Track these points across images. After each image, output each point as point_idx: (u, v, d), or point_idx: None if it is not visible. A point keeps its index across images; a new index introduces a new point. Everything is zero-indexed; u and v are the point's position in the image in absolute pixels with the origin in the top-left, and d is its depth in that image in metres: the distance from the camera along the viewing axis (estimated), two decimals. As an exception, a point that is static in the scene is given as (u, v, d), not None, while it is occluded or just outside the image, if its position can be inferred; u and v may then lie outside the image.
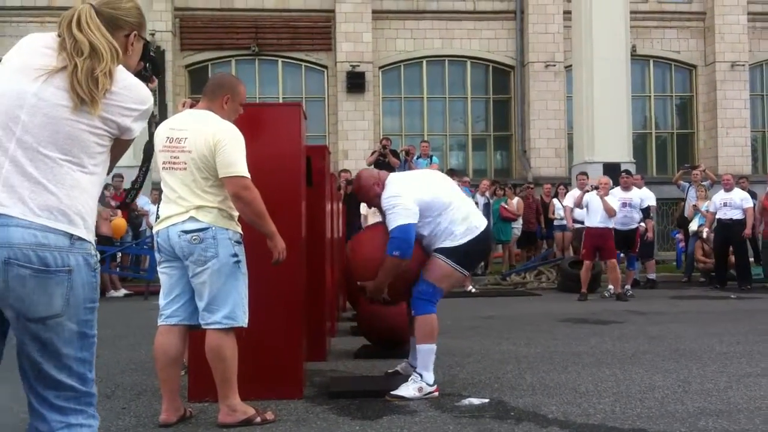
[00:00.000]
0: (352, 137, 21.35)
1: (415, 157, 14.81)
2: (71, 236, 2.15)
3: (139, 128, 2.31)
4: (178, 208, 3.97)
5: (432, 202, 4.71)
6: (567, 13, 21.10)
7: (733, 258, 12.58)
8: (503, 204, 14.78)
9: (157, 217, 13.92)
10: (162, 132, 4.10)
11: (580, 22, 18.27)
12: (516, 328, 7.83)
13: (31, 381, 2.19)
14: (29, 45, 2.27)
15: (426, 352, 4.67)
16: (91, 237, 2.23)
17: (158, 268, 4.22)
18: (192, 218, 3.96)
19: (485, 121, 22.94)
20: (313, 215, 5.65)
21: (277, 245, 4.09)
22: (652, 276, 12.86)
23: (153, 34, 19.60)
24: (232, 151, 3.94)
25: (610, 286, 10.91)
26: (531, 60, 21.84)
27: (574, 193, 12.49)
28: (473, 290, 11.88)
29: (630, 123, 18.61)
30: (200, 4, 21.48)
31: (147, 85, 2.43)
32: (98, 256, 2.30)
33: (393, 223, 4.63)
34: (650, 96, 22.79)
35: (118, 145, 2.31)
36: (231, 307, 4.01)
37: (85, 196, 2.20)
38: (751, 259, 14.69)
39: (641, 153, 21.62)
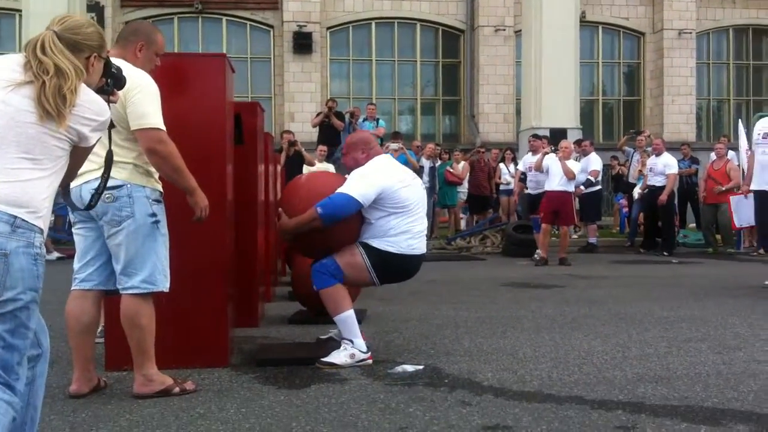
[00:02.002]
0: (299, 99, 20.96)
1: (360, 120, 14.55)
2: (15, 221, 2.32)
3: (95, 137, 2.54)
4: (90, 164, 3.63)
5: (399, 198, 4.53)
6: (518, -24, 20.96)
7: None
8: (448, 168, 14.62)
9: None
10: None
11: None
12: (457, 292, 7.70)
13: None
14: (1, 62, 2.49)
15: (344, 322, 4.47)
16: (39, 225, 2.39)
17: (73, 230, 3.92)
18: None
19: (434, 85, 22.72)
20: (243, 176, 5.39)
21: (198, 202, 3.83)
22: (593, 240, 12.89)
23: (91, -10, 18.89)
24: (144, 101, 3.63)
25: (539, 250, 10.91)
26: (481, 24, 21.64)
27: (527, 157, 12.39)
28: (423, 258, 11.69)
29: (577, 89, 18.56)
30: (141, -43, 20.75)
31: (109, 98, 2.77)
32: (43, 248, 2.43)
33: (344, 188, 4.49)
34: (598, 63, 22.79)
35: (77, 153, 2.53)
36: (149, 270, 3.74)
37: (39, 192, 2.38)
38: (692, 225, 14.88)
39: (588, 119, 21.65)
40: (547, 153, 10.97)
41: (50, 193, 2.44)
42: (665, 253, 12.06)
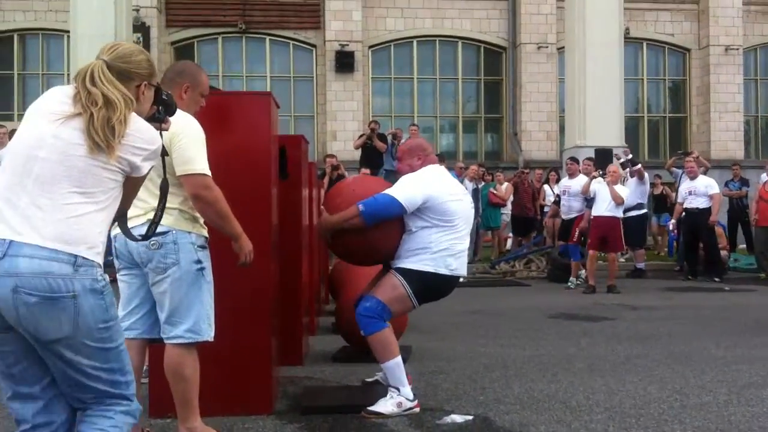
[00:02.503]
0: (341, 118, 20.93)
1: (403, 140, 14.46)
2: (76, 260, 2.31)
3: (147, 167, 2.51)
4: (136, 210, 3.58)
5: (446, 211, 4.42)
6: (560, -8, 20.75)
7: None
8: (492, 189, 14.43)
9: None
10: None
11: (573, 3, 17.90)
12: (504, 325, 7.53)
13: (64, 389, 2.42)
14: (50, 95, 2.50)
15: (391, 370, 4.34)
16: (98, 260, 2.38)
17: (117, 276, 3.86)
18: (149, 220, 3.60)
19: (476, 102, 22.56)
20: (287, 207, 5.32)
21: (243, 247, 3.75)
22: (641, 265, 12.57)
23: (137, 10, 19.13)
24: (190, 146, 3.56)
25: (572, 278, 10.72)
26: (523, 41, 21.43)
27: (564, 181, 12.10)
28: (461, 279, 11.52)
29: (622, 107, 18.29)
30: (186, -21, 20.96)
31: (161, 126, 2.72)
32: (107, 279, 2.42)
33: (392, 190, 4.43)
34: (643, 79, 22.43)
35: (130, 183, 2.51)
36: (194, 319, 3.66)
37: (94, 225, 2.37)
38: (743, 246, 14.48)
39: (633, 137, 21.27)
40: (595, 177, 10.73)
41: (105, 227, 2.43)
42: (716, 279, 11.76)
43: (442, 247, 4.41)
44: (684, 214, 12.16)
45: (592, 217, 10.41)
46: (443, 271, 4.44)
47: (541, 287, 11.17)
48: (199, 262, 3.66)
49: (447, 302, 8.96)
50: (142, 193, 3.61)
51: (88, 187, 2.36)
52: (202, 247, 3.70)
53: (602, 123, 17.59)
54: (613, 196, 10.06)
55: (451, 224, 4.44)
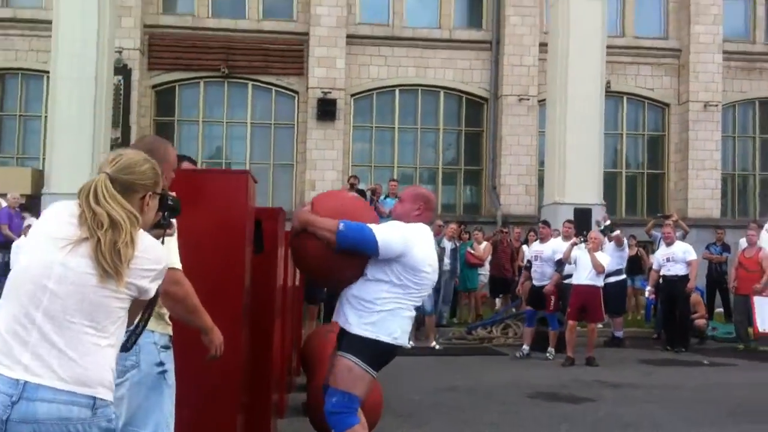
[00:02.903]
0: (321, 167, 20.81)
1: (382, 197, 14.35)
2: (94, 402, 2.24)
3: (155, 288, 2.44)
4: None
5: (414, 275, 4.29)
6: (543, 45, 20.79)
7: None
8: (469, 249, 14.28)
9: None
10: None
11: (555, 56, 18.01)
12: (481, 405, 7.36)
13: None
14: (55, 215, 2.42)
15: None
16: (111, 398, 2.33)
17: None
18: None
19: (456, 153, 22.55)
20: (261, 281, 5.15)
21: (213, 340, 3.55)
22: (619, 334, 12.40)
23: (120, 52, 19.01)
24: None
25: (525, 347, 10.59)
26: (505, 93, 21.51)
27: (535, 245, 11.88)
28: (437, 347, 11.36)
29: (601, 163, 18.34)
30: (171, 21, 20.89)
31: (165, 232, 2.70)
32: (116, 413, 2.43)
33: (378, 229, 4.28)
34: (622, 134, 22.56)
35: (135, 305, 2.44)
36: (152, 428, 3.46)
37: (108, 362, 2.30)
38: (720, 310, 14.39)
39: (611, 192, 21.33)
40: (576, 243, 10.64)
41: (116, 360, 2.38)
42: (683, 349, 11.65)
43: (387, 308, 4.26)
44: (661, 281, 12.08)
45: (573, 285, 10.29)
46: (384, 338, 4.27)
47: (518, 358, 10.84)
48: (161, 364, 3.46)
49: (422, 373, 8.85)
50: None
51: (100, 320, 2.29)
52: (166, 347, 3.50)
53: (581, 179, 17.60)
54: (594, 265, 9.97)
55: (408, 290, 4.31)
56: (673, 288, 11.79)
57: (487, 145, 21.99)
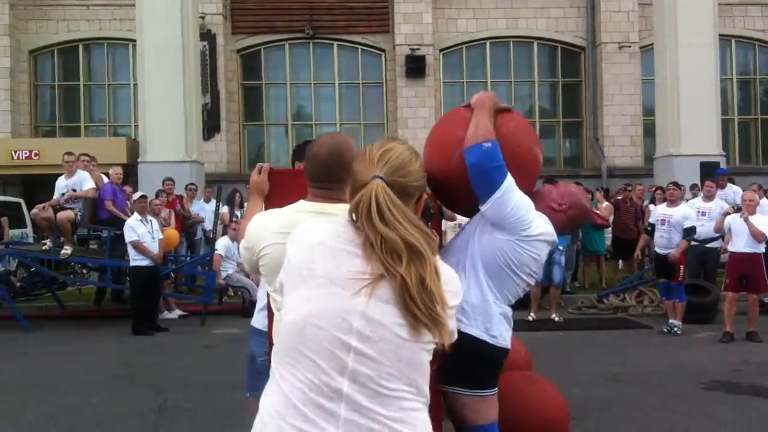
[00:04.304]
0: (412, 125, 20.06)
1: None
2: None
3: (456, 329, 1.88)
4: None
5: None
6: (643, -12, 19.61)
7: None
8: (594, 209, 13.23)
9: (216, 216, 11.92)
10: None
11: (663, 3, 16.75)
12: (656, 403, 6.51)
13: None
14: (324, 243, 1.85)
15: None
16: None
17: None
18: None
19: (553, 105, 21.48)
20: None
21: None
22: (766, 299, 11.26)
23: (203, 17, 18.48)
24: None
25: (672, 321, 9.58)
26: (604, 41, 20.34)
27: (660, 208, 10.75)
28: (557, 318, 10.41)
29: (719, 112, 17.14)
30: (252, -16, 20.26)
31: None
32: None
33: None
34: (732, 78, 21.13)
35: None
36: None
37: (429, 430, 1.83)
38: None
39: (724, 141, 19.99)
40: (729, 213, 9.59)
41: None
42: None
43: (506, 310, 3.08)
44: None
45: (728, 254, 9.30)
46: (485, 337, 3.01)
47: (666, 334, 9.87)
48: None
49: (572, 358, 8.08)
50: None
51: (417, 382, 1.79)
52: None
53: (697, 129, 16.48)
54: (753, 233, 8.93)
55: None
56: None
57: (586, 95, 20.90)
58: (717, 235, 10.76)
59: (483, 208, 2.93)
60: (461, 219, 3.98)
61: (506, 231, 2.93)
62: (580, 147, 21.33)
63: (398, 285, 1.73)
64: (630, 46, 20.28)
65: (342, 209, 2.19)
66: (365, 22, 20.48)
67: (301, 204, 2.45)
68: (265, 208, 2.79)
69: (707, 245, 11.09)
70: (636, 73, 20.35)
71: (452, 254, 3.03)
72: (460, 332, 2.57)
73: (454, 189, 3.05)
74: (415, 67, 20.01)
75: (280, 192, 2.86)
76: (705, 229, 10.68)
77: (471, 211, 3.10)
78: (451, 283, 1.85)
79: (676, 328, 9.59)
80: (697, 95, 16.42)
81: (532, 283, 3.12)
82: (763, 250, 9.25)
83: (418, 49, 20.03)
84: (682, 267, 9.56)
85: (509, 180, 2.90)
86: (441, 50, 20.67)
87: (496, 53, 21.01)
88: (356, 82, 20.79)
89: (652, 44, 17.99)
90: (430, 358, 1.82)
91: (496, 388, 3.04)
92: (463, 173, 2.93)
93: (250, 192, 2.98)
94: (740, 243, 9.10)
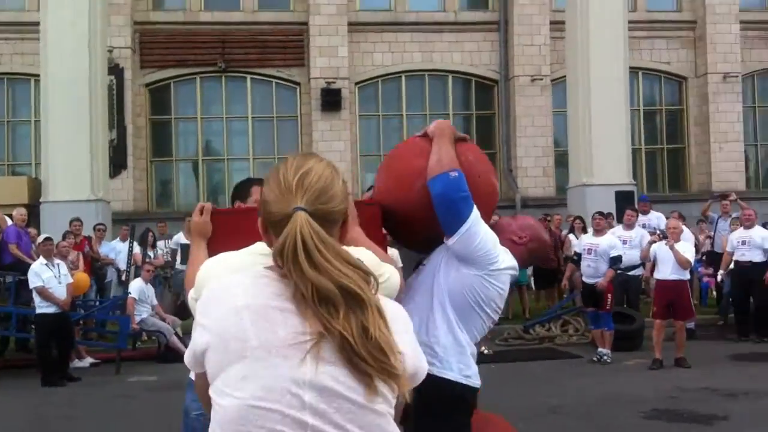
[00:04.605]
0: (328, 158, 19.53)
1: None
2: None
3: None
4: None
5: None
6: (554, 23, 20.04)
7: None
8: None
9: (129, 256, 11.34)
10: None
11: (575, 36, 17.10)
12: (581, 427, 6.37)
13: None
14: (250, 305, 1.54)
15: None
16: None
17: None
18: None
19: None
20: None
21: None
22: (691, 325, 11.39)
23: (111, 51, 17.80)
24: None
25: (601, 349, 9.54)
26: (516, 74, 20.58)
27: (585, 237, 10.89)
28: (486, 351, 10.18)
29: (629, 143, 17.53)
30: (162, 17, 19.77)
31: None
32: None
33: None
34: (639, 109, 21.71)
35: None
36: None
37: None
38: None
39: (632, 170, 20.51)
40: (654, 242, 9.68)
41: None
42: (765, 339, 10.81)
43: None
44: (734, 266, 11.16)
45: (657, 281, 9.36)
46: (461, 379, 2.85)
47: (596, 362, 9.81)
48: None
49: (505, 391, 7.90)
50: None
51: None
52: None
53: (609, 159, 16.83)
54: (678, 261, 9.01)
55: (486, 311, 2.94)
56: (747, 275, 10.88)
57: (500, 127, 21.09)
58: (639, 262, 10.89)
59: (450, 242, 2.77)
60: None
61: (473, 266, 2.78)
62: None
63: (338, 343, 1.48)
64: (542, 79, 20.59)
65: None
66: (280, 56, 20.18)
67: (260, 246, 2.14)
68: (209, 254, 2.49)
69: (629, 273, 11.19)
70: (547, 105, 20.68)
71: (416, 292, 2.86)
72: (434, 377, 2.63)
73: (414, 221, 2.86)
74: (331, 100, 19.80)
75: (225, 234, 2.56)
76: (626, 257, 10.77)
77: (429, 245, 2.94)
78: (398, 321, 1.60)
79: (605, 357, 9.57)
80: (609, 126, 16.76)
81: (496, 319, 2.97)
82: (689, 276, 9.37)
83: (334, 82, 19.84)
84: (609, 295, 9.59)
85: (476, 212, 2.75)
86: (356, 83, 20.55)
87: (412, 86, 21.03)
88: (270, 115, 20.42)
89: (563, 77, 18.36)
90: (393, 414, 1.57)
91: None
92: (424, 205, 2.77)
93: (191, 235, 2.67)
94: (666, 270, 9.18)
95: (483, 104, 21.36)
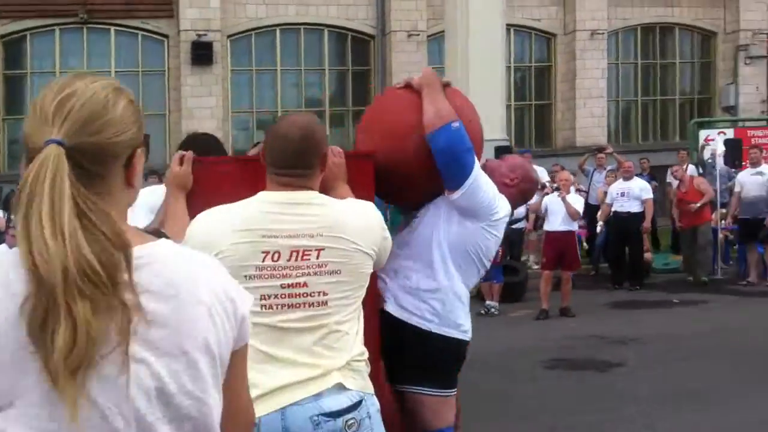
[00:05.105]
0: (198, 115, 19.05)
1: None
2: None
3: None
4: (304, 371, 2.17)
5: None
6: (429, -22, 19.97)
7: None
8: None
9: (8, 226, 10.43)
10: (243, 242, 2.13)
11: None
12: (508, 385, 6.46)
13: None
14: None
15: None
16: None
17: None
18: (339, 386, 2.20)
19: (343, 94, 21.35)
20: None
21: None
22: None
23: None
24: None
25: (489, 302, 9.78)
26: (393, 29, 20.44)
27: None
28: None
29: (504, 99, 17.78)
30: (17, -38, 18.25)
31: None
32: None
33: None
34: (510, 66, 22.07)
35: None
36: None
37: None
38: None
39: (505, 126, 20.94)
40: (547, 194, 9.85)
41: None
42: (638, 287, 11.30)
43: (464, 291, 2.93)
44: (612, 216, 11.58)
45: (546, 233, 9.56)
46: (457, 334, 2.92)
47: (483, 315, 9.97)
48: None
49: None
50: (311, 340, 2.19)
51: None
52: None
53: (485, 114, 16.53)
54: (569, 212, 9.23)
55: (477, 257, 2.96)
56: (625, 225, 11.31)
57: (376, 83, 20.93)
58: (522, 216, 11.09)
59: (454, 196, 2.70)
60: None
61: (475, 218, 2.75)
62: (373, 135, 21.41)
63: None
64: (418, 35, 20.55)
65: (311, 198, 2.05)
66: (146, 6, 19.14)
67: (264, 195, 2.01)
68: (188, 207, 2.26)
69: (513, 226, 11.39)
70: (423, 62, 20.56)
71: (415, 247, 2.80)
72: (433, 334, 2.75)
73: (406, 178, 2.75)
74: (202, 54, 18.96)
75: (207, 186, 2.38)
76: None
77: (419, 203, 2.87)
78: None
79: (493, 309, 9.73)
80: (485, 81, 16.88)
81: (488, 267, 3.07)
82: (577, 228, 9.62)
83: (205, 35, 19.02)
84: (501, 249, 9.72)
85: (478, 164, 2.73)
86: (229, 36, 19.81)
87: (286, 40, 20.49)
88: (135, 70, 19.39)
89: (440, 32, 18.35)
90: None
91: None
92: (420, 160, 2.68)
93: (168, 187, 2.42)
94: (556, 222, 9.40)
95: (359, 59, 21.11)
